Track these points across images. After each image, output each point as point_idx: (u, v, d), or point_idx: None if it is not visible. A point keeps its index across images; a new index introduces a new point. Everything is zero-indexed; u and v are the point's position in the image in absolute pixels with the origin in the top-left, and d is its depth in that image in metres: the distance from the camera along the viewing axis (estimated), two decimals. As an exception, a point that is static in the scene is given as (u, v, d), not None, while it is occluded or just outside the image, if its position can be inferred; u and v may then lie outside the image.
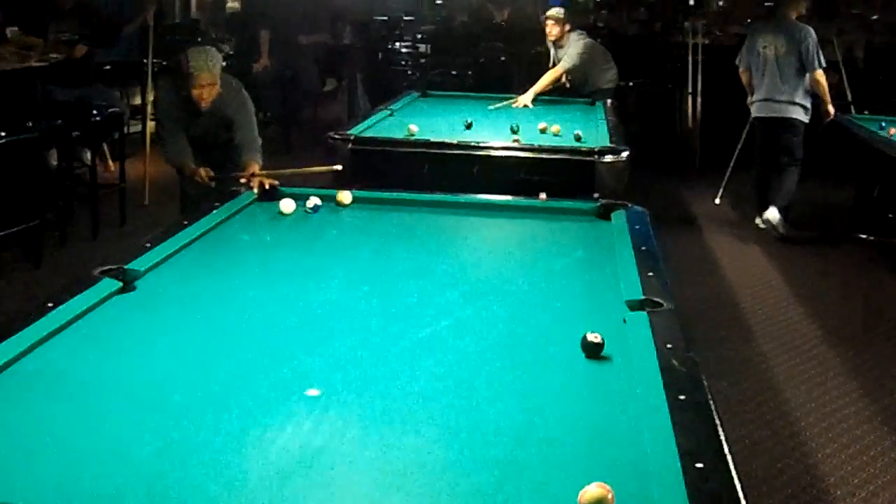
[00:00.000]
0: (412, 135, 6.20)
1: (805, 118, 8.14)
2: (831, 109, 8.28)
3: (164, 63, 10.17)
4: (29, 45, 9.03)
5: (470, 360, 2.74)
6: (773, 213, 8.13)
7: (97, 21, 9.42)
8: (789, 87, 8.09)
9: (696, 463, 2.05)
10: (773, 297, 6.70)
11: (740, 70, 8.51)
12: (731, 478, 2.01)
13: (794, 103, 8.10)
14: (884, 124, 7.97)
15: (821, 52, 8.05)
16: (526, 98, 8.12)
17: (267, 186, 4.66)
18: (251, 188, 4.67)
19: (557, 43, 8.76)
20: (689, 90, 10.81)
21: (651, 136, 10.99)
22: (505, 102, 8.07)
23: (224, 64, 5.53)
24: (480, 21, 14.18)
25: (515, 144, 5.98)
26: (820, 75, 8.08)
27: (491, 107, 7.86)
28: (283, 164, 5.89)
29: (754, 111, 8.38)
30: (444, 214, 4.52)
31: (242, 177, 4.95)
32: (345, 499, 1.99)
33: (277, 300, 3.23)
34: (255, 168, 5.08)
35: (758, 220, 8.43)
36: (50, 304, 2.89)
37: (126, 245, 3.61)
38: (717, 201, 9.28)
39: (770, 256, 7.62)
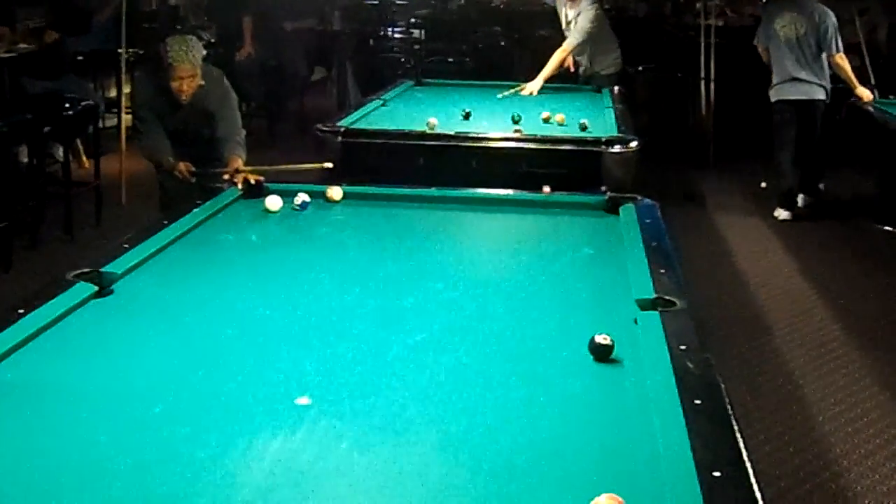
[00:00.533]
0: (432, 129, 6.15)
1: (827, 99, 8.35)
2: (864, 92, 8.47)
3: (141, 52, 10.16)
4: (-4, 35, 9.04)
5: (470, 365, 2.74)
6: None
7: (68, 7, 9.41)
8: (813, 68, 8.27)
9: (713, 472, 2.04)
10: (792, 293, 6.70)
11: (760, 49, 8.65)
12: (752, 487, 2.01)
13: (820, 85, 8.29)
14: (909, 109, 7.97)
15: (839, 36, 8.22)
16: (534, 85, 8.12)
17: (252, 182, 4.66)
18: (235, 184, 4.67)
19: (572, 4, 8.64)
20: (702, 75, 10.79)
21: (661, 125, 10.98)
22: (513, 90, 8.06)
23: (205, 53, 5.52)
24: (477, 4, 14.19)
25: (517, 135, 5.97)
26: (842, 59, 8.28)
27: (499, 95, 7.85)
28: (268, 158, 5.90)
29: (780, 94, 8.44)
30: (441, 210, 4.52)
31: (226, 172, 4.92)
32: (338, 514, 2.00)
33: (264, 303, 3.22)
34: (239, 163, 5.05)
35: (777, 213, 8.49)
36: (21, 311, 2.88)
37: (102, 247, 3.60)
38: (764, 185, 9.29)
39: (789, 251, 7.61)
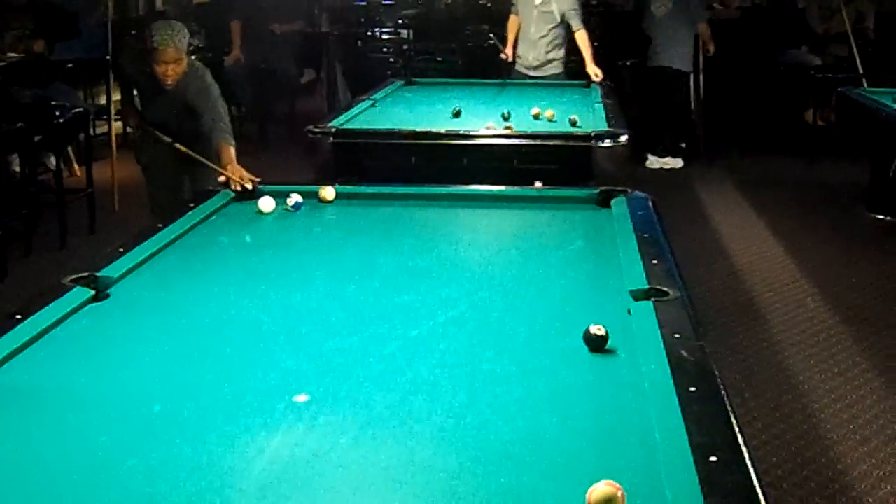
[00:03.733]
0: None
1: (684, 67, 10.10)
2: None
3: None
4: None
5: (467, 359, 2.76)
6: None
7: (53, 12, 9.40)
8: (676, 39, 9.93)
9: (709, 456, 2.06)
10: (784, 281, 6.73)
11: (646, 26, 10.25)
12: (748, 471, 2.03)
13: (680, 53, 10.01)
14: (898, 97, 8.01)
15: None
16: (596, 69, 8.45)
17: (250, 187, 4.60)
18: (234, 188, 4.61)
19: None
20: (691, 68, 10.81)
21: (651, 119, 11.00)
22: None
23: (190, 41, 5.52)
24: (465, 3, 14.20)
25: (508, 132, 5.99)
26: (706, 27, 10.13)
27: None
28: (260, 161, 5.90)
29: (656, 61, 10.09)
30: (433, 207, 4.54)
31: (220, 173, 4.83)
32: (339, 508, 2.01)
33: (260, 303, 3.24)
34: (231, 151, 5.00)
35: (654, 160, 10.09)
36: (19, 316, 2.89)
37: (96, 254, 3.62)
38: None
39: (781, 240, 7.64)
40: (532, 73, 8.85)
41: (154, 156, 5.70)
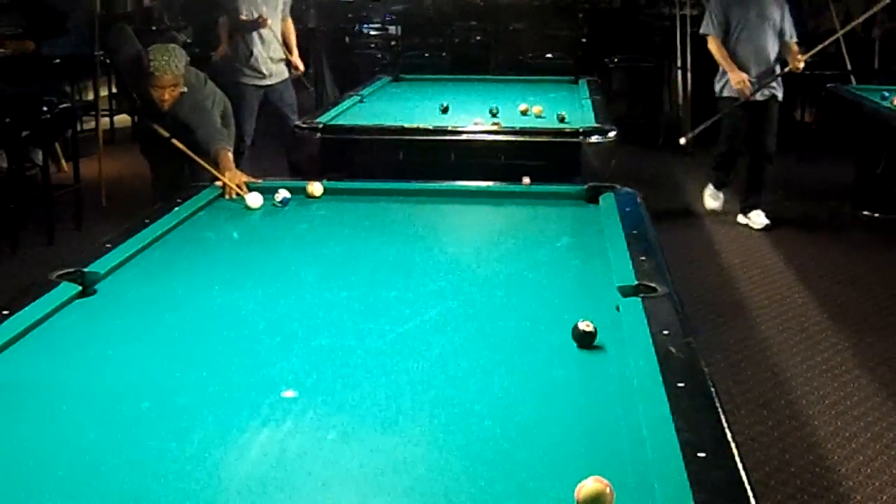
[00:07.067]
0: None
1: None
2: None
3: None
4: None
5: (455, 355, 2.76)
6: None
7: (41, 10, 9.38)
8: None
9: (697, 452, 2.07)
10: (773, 279, 6.74)
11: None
12: (736, 466, 2.03)
13: None
14: (886, 94, 8.03)
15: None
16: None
17: (245, 194, 4.50)
18: (229, 196, 4.53)
19: None
20: (678, 65, 10.84)
21: (639, 115, 11.03)
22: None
23: (188, 60, 5.45)
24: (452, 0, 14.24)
25: (495, 128, 5.99)
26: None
27: None
28: (245, 157, 5.89)
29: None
30: (421, 203, 4.53)
31: (220, 179, 4.69)
32: (327, 504, 2.01)
33: (248, 299, 3.23)
34: (227, 156, 4.94)
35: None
36: (6, 312, 2.88)
37: (83, 250, 3.60)
38: (683, 141, 8.52)
39: (769, 237, 7.65)
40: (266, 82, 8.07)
41: (156, 146, 5.66)
